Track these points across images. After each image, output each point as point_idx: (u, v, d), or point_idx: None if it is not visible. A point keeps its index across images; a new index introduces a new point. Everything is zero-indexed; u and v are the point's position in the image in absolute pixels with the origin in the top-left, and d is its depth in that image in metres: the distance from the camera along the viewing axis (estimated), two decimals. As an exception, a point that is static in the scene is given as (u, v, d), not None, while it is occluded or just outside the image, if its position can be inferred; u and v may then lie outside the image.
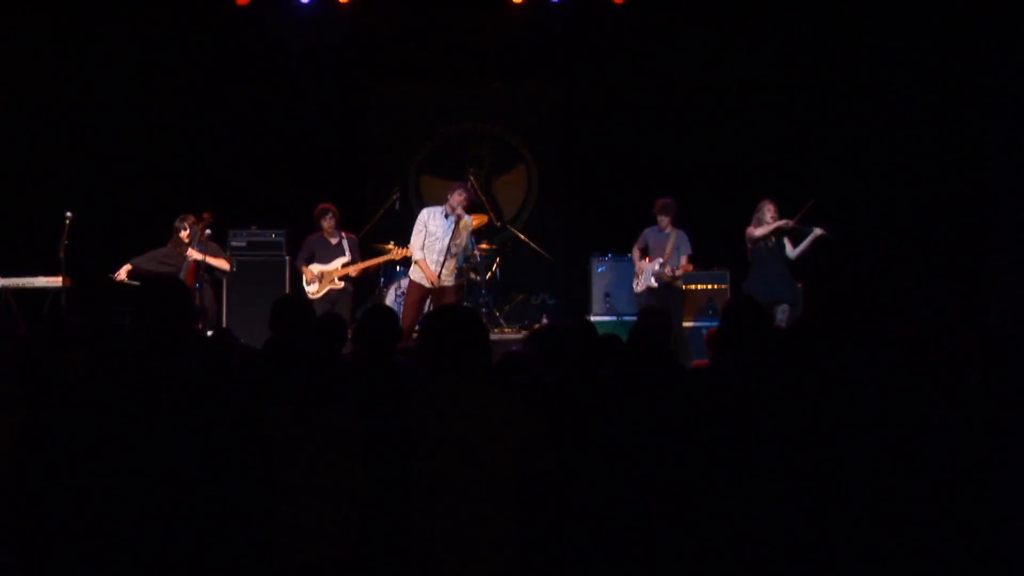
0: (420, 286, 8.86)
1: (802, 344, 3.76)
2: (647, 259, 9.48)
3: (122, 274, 9.09)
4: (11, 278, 9.34)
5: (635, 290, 9.67)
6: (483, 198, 10.81)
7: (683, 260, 9.33)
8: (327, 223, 9.40)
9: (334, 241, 9.43)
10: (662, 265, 9.35)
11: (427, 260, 8.77)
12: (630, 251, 9.73)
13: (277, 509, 3.54)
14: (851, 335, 3.71)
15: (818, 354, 3.70)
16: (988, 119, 10.46)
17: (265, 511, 3.55)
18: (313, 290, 9.32)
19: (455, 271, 9.06)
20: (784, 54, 10.90)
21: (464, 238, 8.94)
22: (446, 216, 8.73)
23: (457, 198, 8.71)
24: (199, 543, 3.61)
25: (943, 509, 3.64)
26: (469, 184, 9.63)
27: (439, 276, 8.73)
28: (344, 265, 9.32)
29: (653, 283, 9.42)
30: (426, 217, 8.86)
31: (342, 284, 9.33)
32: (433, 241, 8.76)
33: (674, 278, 9.37)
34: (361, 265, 9.40)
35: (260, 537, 3.55)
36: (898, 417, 3.64)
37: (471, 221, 9.13)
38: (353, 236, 9.57)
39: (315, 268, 9.37)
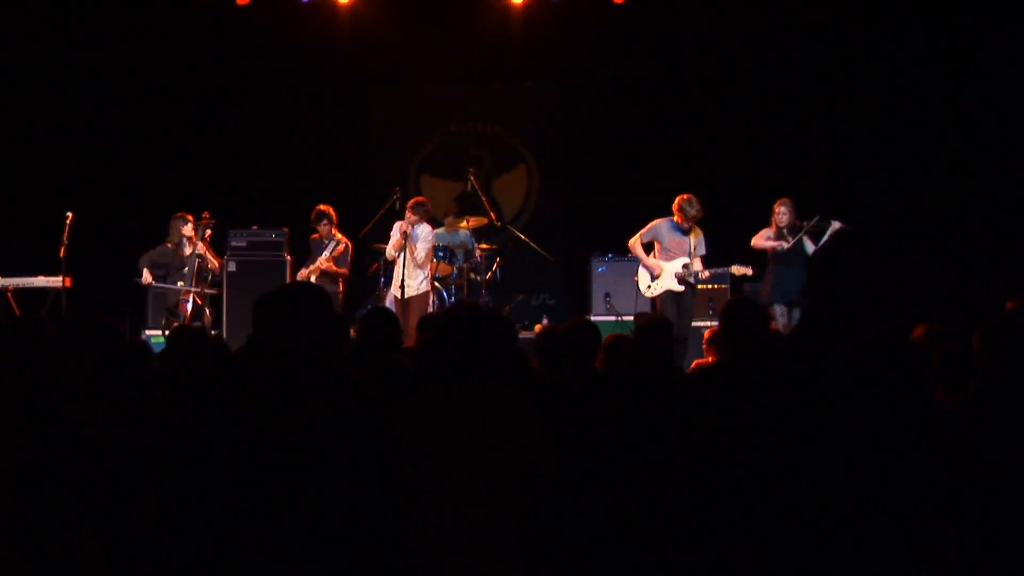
0: (394, 296, 9.27)
1: (804, 346, 3.75)
2: (653, 256, 8.80)
3: (148, 277, 9.18)
4: (11, 278, 9.35)
5: (647, 294, 8.81)
6: (483, 198, 10.81)
7: (698, 262, 8.68)
8: (322, 228, 9.52)
9: (325, 243, 9.52)
10: (687, 266, 8.66)
11: (396, 274, 9.28)
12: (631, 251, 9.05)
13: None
14: (853, 337, 3.70)
15: (819, 356, 3.70)
16: (995, 118, 10.45)
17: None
18: None
19: (424, 277, 9.42)
20: (786, 51, 10.89)
21: (420, 248, 9.30)
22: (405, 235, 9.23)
23: (412, 218, 9.24)
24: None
25: (944, 511, 3.63)
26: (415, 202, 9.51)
27: (402, 287, 9.12)
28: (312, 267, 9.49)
29: (676, 286, 8.65)
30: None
31: None
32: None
33: (705, 279, 8.77)
34: (313, 267, 9.47)
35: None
36: (900, 419, 3.64)
37: (426, 230, 9.39)
38: (343, 240, 9.56)
39: (303, 270, 9.57)
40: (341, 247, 9.52)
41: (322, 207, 9.57)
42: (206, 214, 9.23)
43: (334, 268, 9.50)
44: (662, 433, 3.84)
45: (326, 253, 9.52)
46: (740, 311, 4.19)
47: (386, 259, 9.67)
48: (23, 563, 3.62)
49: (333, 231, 9.60)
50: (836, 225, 8.74)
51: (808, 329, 3.73)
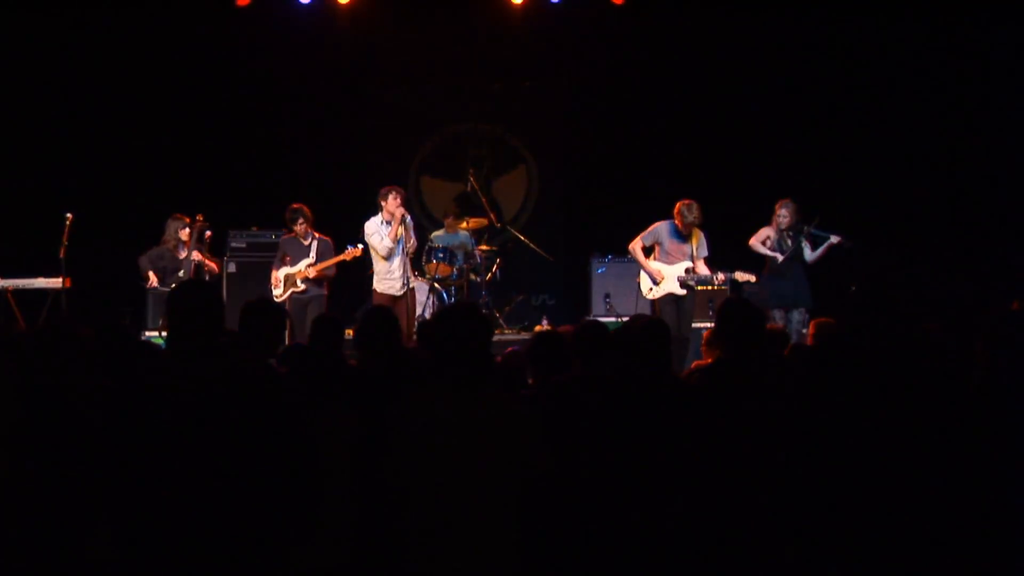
0: (389, 295, 8.87)
1: (813, 351, 3.75)
2: (654, 258, 8.72)
3: (154, 280, 9.09)
4: (11, 278, 9.34)
5: (648, 296, 8.72)
6: (483, 198, 10.82)
7: (701, 264, 8.65)
8: (299, 227, 9.16)
9: (306, 243, 9.19)
10: (689, 271, 8.61)
11: (390, 267, 8.87)
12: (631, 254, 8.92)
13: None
14: (868, 339, 3.70)
15: (822, 358, 3.70)
16: (998, 120, 10.45)
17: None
18: (277, 293, 9.05)
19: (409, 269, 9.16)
20: (786, 53, 10.89)
21: (412, 236, 9.00)
22: (388, 224, 8.86)
23: (393, 203, 8.84)
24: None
25: (944, 511, 3.63)
26: (395, 191, 9.12)
27: (403, 279, 8.85)
28: (307, 267, 9.10)
29: (678, 290, 8.61)
30: (374, 229, 8.93)
31: (303, 287, 9.05)
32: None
33: (717, 287, 8.68)
34: (320, 266, 9.07)
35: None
36: (900, 419, 3.64)
37: (409, 219, 9.06)
38: (326, 239, 9.25)
39: (280, 273, 9.17)
40: (331, 266, 9.14)
41: (296, 205, 9.19)
42: (199, 218, 9.17)
43: (322, 273, 9.16)
44: (659, 433, 3.83)
45: (312, 257, 9.18)
46: (734, 311, 4.17)
47: (379, 256, 9.06)
48: (34, 561, 3.63)
49: (309, 229, 9.21)
50: (835, 239, 8.65)
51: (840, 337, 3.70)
